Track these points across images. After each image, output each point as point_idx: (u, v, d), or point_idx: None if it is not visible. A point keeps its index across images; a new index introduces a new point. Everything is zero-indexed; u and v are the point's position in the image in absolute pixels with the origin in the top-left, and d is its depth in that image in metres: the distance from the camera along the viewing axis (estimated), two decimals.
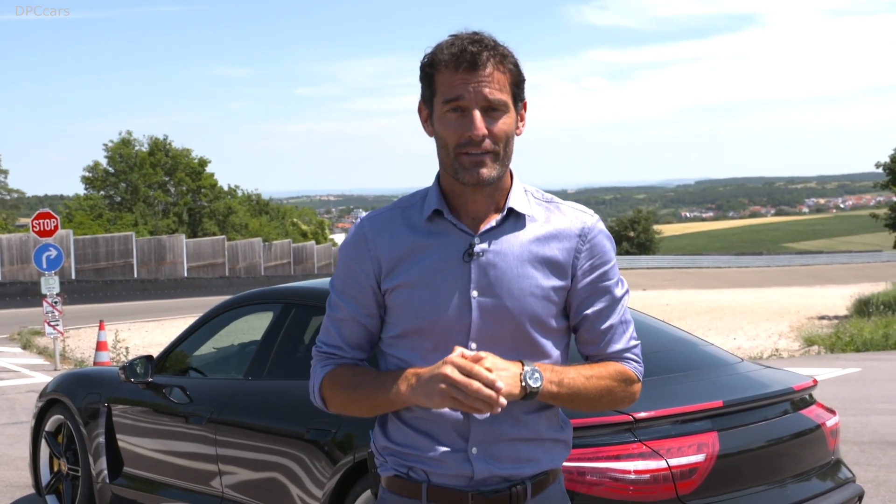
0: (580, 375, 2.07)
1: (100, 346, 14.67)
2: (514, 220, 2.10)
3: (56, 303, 16.12)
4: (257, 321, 5.32)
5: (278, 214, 68.82)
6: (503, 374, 1.95)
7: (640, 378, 2.18)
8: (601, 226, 2.15)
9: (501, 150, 2.03)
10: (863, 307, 21.24)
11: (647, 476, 3.42)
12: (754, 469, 3.75)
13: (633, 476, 3.41)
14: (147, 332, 21.88)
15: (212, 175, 59.84)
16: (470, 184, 2.03)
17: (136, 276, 41.55)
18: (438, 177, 2.14)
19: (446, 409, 2.04)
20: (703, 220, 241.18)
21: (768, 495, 3.75)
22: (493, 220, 2.08)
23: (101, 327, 15.03)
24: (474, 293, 2.05)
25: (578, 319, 2.13)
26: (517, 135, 2.09)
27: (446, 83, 2.02)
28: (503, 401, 1.91)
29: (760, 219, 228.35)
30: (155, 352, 14.76)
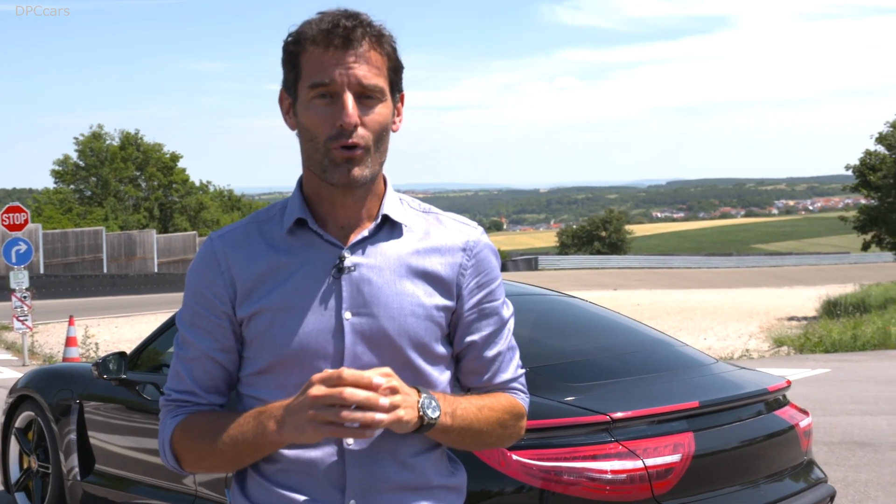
0: (472, 406, 1.81)
1: (69, 341, 14.54)
2: (390, 228, 1.83)
3: (25, 297, 15.97)
4: None
5: (250, 210, 68.51)
6: (406, 399, 1.67)
7: (527, 411, 1.95)
8: (486, 239, 1.90)
9: (375, 145, 1.75)
10: (831, 308, 21.50)
11: (624, 476, 3.43)
12: (729, 469, 3.77)
13: (609, 476, 3.42)
14: (117, 328, 21.74)
15: (183, 170, 59.56)
16: (340, 184, 1.74)
17: (105, 271, 41.23)
18: (300, 182, 1.86)
19: (317, 454, 1.78)
20: (674, 220, 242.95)
21: (742, 496, 3.77)
22: (366, 230, 1.81)
23: (70, 323, 14.90)
24: (347, 314, 1.77)
25: (463, 346, 1.87)
26: (393, 131, 1.81)
27: (314, 63, 1.73)
28: (385, 402, 1.60)
29: (730, 220, 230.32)
30: (126, 348, 14.67)
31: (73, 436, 5.42)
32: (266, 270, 1.80)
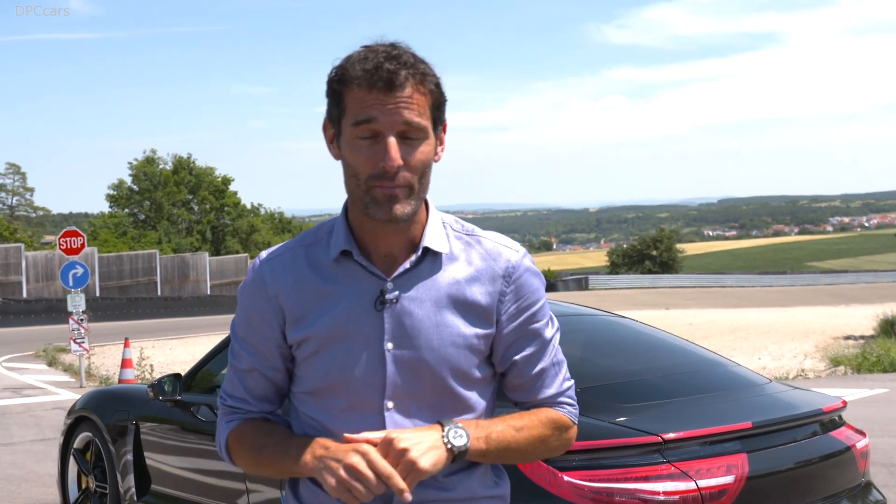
0: (509, 428, 1.89)
1: (125, 363, 14.76)
2: (431, 260, 1.89)
3: (82, 320, 16.24)
4: None
5: (301, 232, 69.11)
6: (420, 446, 1.74)
7: (576, 422, 2.02)
8: (528, 262, 1.95)
9: (417, 183, 1.81)
10: (889, 327, 21.05)
11: (677, 497, 3.40)
12: (783, 491, 3.73)
13: (662, 497, 3.39)
14: (171, 350, 21.99)
15: (235, 193, 60.34)
16: (381, 220, 1.81)
17: (159, 293, 41.81)
18: (346, 209, 1.93)
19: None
20: (726, 238, 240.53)
21: None
22: (408, 262, 1.87)
23: (126, 345, 15.13)
24: (389, 345, 1.85)
25: (506, 366, 1.95)
26: (435, 161, 1.87)
27: (357, 104, 1.78)
28: (401, 485, 1.71)
29: (784, 237, 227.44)
30: (180, 369, 14.83)
31: (129, 456, 5.50)
32: (313, 298, 1.89)
